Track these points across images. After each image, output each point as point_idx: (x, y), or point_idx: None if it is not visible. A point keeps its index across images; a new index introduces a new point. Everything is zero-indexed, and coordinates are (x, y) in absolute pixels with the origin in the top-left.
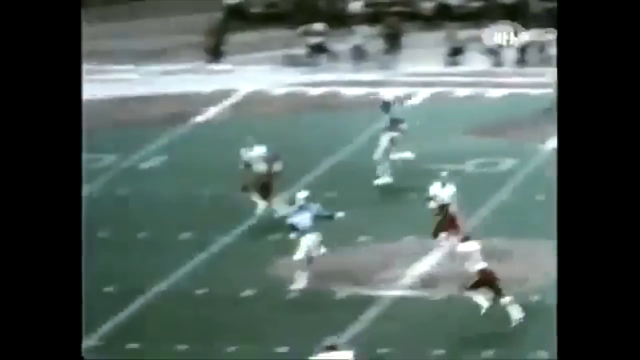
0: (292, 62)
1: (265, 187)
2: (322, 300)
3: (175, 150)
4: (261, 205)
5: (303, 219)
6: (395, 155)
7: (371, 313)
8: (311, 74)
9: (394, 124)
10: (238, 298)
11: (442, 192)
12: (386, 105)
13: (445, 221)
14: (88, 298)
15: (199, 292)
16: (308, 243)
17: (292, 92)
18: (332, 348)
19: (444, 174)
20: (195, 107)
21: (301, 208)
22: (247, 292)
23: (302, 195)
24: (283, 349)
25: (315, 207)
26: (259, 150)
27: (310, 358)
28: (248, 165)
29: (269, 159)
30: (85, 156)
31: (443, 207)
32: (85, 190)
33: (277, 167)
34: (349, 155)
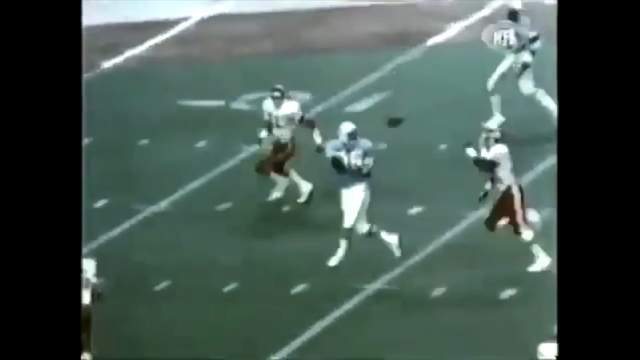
0: None
1: (279, 167)
2: None
3: (398, 86)
4: (281, 183)
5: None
6: (529, 89)
7: None
8: None
9: (523, 43)
10: (497, 300)
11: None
12: (512, 16)
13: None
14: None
15: (435, 293)
16: (361, 198)
17: None
18: None
19: (488, 132)
20: (428, 24)
21: (345, 146)
22: (508, 293)
23: (347, 128)
24: None
25: (367, 143)
26: (290, 107)
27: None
28: (269, 125)
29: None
30: (251, 96)
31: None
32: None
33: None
34: None
